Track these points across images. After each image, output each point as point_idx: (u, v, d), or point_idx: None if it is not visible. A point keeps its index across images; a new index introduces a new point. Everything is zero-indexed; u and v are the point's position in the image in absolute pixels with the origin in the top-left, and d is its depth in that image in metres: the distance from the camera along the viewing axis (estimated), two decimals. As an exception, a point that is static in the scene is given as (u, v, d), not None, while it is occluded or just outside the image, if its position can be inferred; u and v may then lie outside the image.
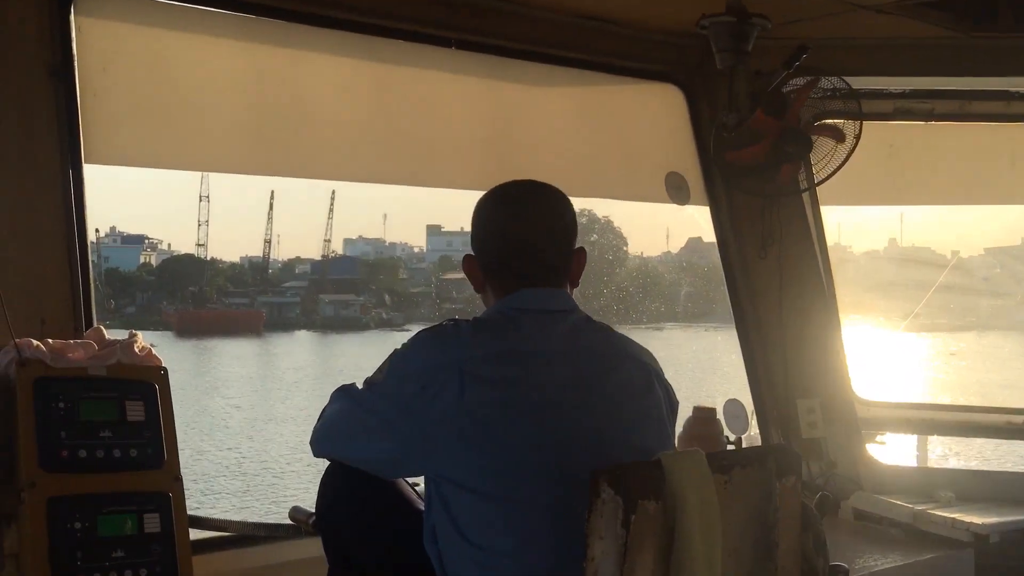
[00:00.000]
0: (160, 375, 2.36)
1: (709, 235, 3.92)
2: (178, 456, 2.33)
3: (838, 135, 3.45)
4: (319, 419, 2.02)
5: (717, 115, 3.46)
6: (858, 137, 3.43)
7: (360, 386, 1.95)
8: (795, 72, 3.35)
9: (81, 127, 2.66)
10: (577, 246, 2.06)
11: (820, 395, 3.77)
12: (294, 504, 2.37)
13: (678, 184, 3.82)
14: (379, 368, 1.92)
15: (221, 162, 3.27)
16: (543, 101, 3.69)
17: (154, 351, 2.40)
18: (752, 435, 3.79)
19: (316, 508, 2.11)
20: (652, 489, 1.64)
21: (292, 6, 3.02)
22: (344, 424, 1.95)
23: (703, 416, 3.32)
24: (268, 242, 71.75)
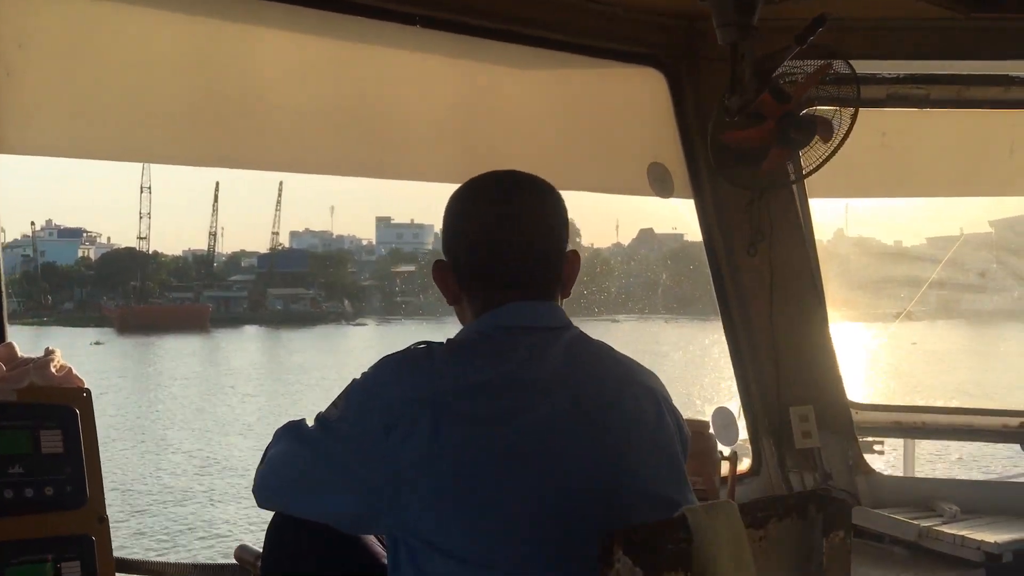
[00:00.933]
0: (82, 398, 2.03)
1: (682, 229, 3.66)
2: (103, 492, 2.01)
3: (827, 130, 3.23)
4: (261, 461, 1.68)
5: (709, 98, 3.20)
6: (850, 127, 3.22)
7: (311, 423, 1.60)
8: (800, 51, 3.10)
9: (-7, 112, 2.33)
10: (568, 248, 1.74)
11: (814, 401, 3.55)
12: (240, 543, 2.14)
13: (661, 176, 3.57)
14: (334, 401, 1.58)
15: (157, 152, 2.94)
16: (515, 85, 3.41)
17: (74, 371, 2.08)
18: (743, 445, 3.58)
19: (261, 561, 1.82)
20: (678, 556, 1.36)
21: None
22: (292, 472, 1.60)
23: (695, 430, 3.03)
24: (213, 235, 70.76)
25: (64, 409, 2.00)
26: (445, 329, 1.84)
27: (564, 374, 1.58)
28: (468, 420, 1.48)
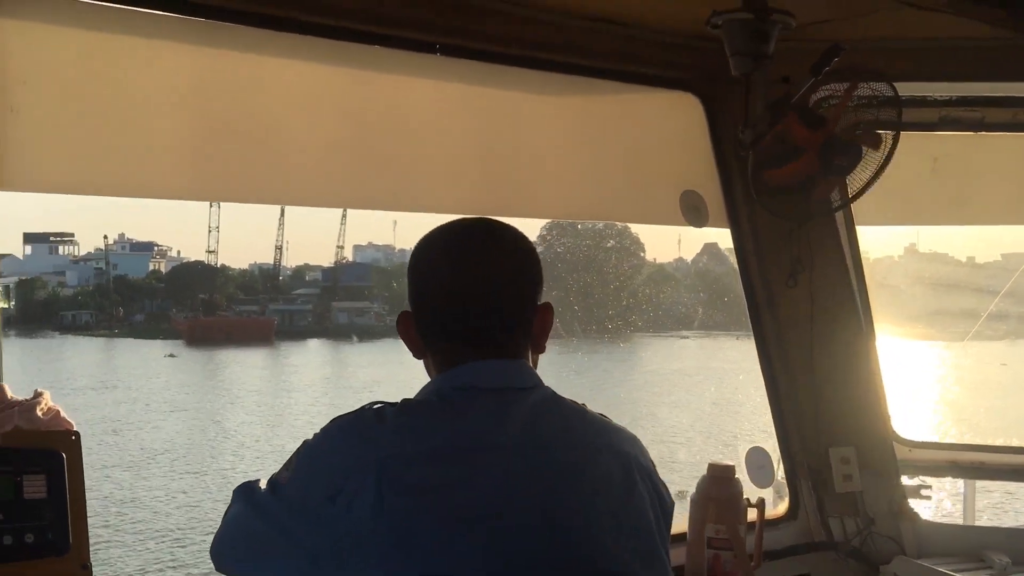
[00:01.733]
0: (70, 441, 2.01)
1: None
2: (87, 539, 1.98)
3: (875, 140, 3.10)
4: (221, 522, 1.64)
5: (735, 129, 3.09)
6: (891, 150, 3.08)
7: (264, 485, 1.57)
8: (823, 79, 2.98)
9: (-4, 149, 2.32)
10: (542, 301, 1.66)
11: (856, 441, 3.39)
12: None
13: (695, 204, 3.46)
14: (287, 462, 1.55)
15: (165, 187, 2.89)
16: (541, 112, 3.33)
17: (63, 412, 2.06)
18: (779, 482, 3.45)
19: None
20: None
21: (246, 7, 2.64)
22: (241, 535, 1.58)
23: (719, 475, 2.94)
24: (279, 248, 72.04)
25: (50, 453, 1.97)
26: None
27: (524, 438, 1.51)
28: (415, 488, 1.43)
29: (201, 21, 2.66)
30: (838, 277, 3.46)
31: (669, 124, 3.48)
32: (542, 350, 1.67)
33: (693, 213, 3.47)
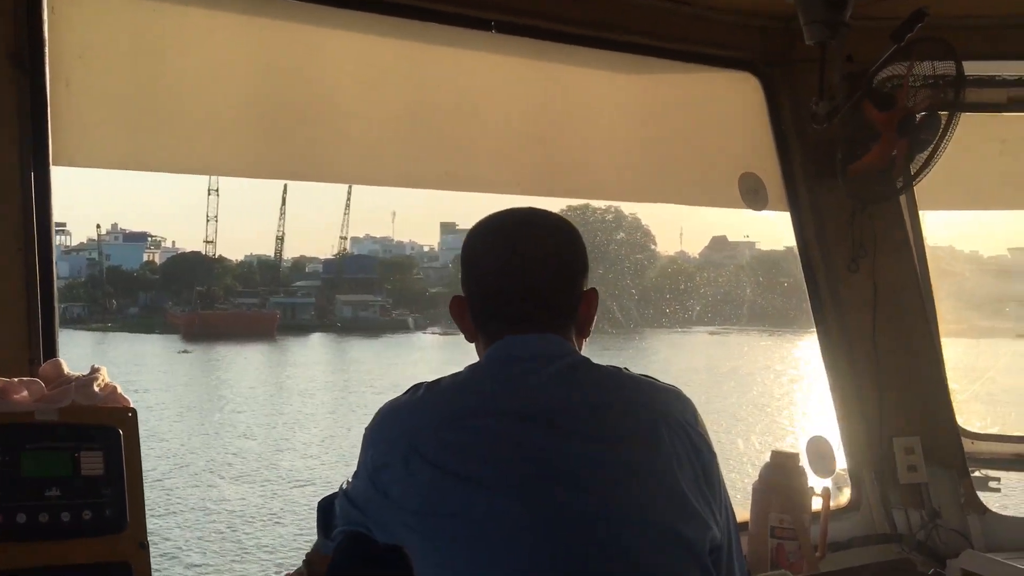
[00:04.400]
0: (127, 418, 2.06)
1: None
2: (144, 516, 2.03)
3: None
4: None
5: (806, 104, 3.11)
6: (944, 129, 3.10)
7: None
8: (894, 54, 3.01)
9: (50, 124, 2.37)
10: (588, 287, 1.78)
11: (921, 432, 3.42)
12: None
13: (754, 187, 3.49)
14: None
15: (220, 164, 2.98)
16: (597, 92, 3.37)
17: (119, 389, 2.10)
18: (841, 474, 3.48)
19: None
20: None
21: (304, -19, 2.70)
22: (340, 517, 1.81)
23: (782, 463, 2.98)
24: (280, 239, 71.97)
25: (107, 430, 2.02)
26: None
27: (544, 400, 1.63)
28: (434, 457, 1.59)
29: (257, -4, 2.72)
30: (902, 263, 3.48)
31: (728, 105, 3.52)
32: (587, 335, 1.78)
33: (752, 196, 3.50)
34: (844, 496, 3.45)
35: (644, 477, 1.59)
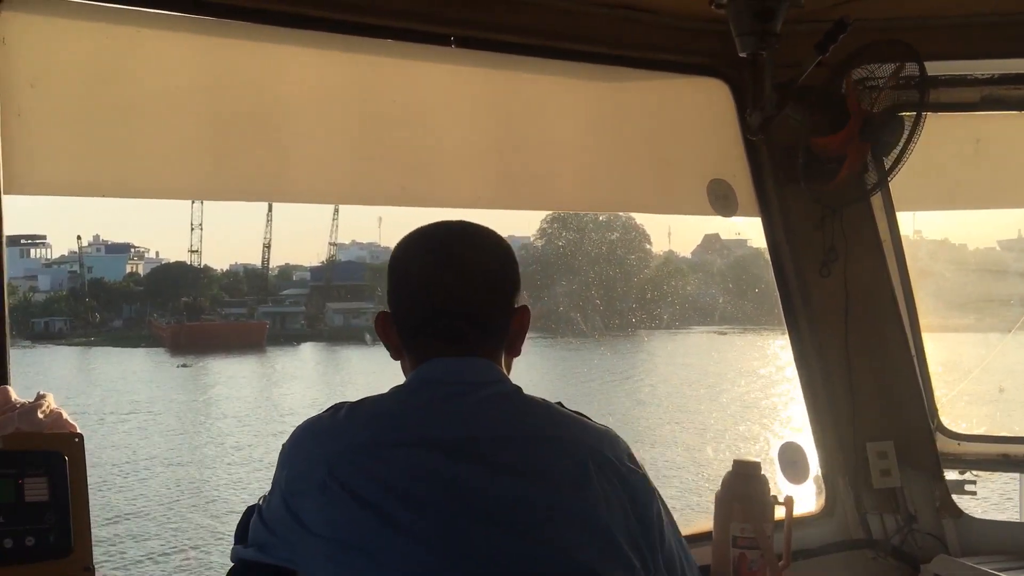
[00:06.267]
0: (73, 443, 2.13)
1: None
2: (90, 541, 2.10)
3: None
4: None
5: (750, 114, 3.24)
6: (914, 130, 3.19)
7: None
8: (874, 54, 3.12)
9: (0, 153, 2.45)
10: (520, 304, 1.80)
11: (894, 435, 3.52)
12: None
13: (724, 192, 3.58)
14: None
15: (176, 188, 3.03)
16: (561, 103, 3.44)
17: (65, 416, 2.17)
18: (815, 480, 3.57)
19: None
20: None
21: (258, 4, 2.78)
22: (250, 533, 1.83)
23: (743, 472, 3.05)
24: (267, 246, 71.65)
25: (52, 455, 2.09)
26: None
27: (472, 427, 1.65)
28: (347, 489, 1.60)
29: (212, 20, 2.80)
30: (874, 265, 3.57)
31: (695, 111, 3.60)
32: (517, 353, 1.81)
33: (722, 202, 3.59)
34: (818, 503, 3.55)
35: (570, 518, 1.60)
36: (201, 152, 2.94)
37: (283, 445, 1.75)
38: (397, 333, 1.79)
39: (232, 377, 45.50)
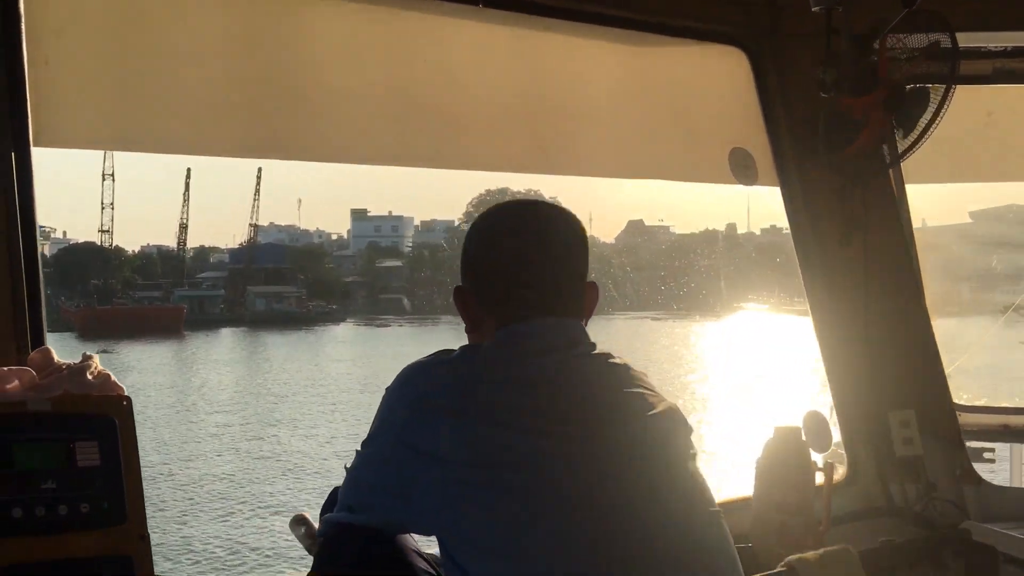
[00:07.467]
0: (122, 406, 2.06)
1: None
2: (144, 507, 2.03)
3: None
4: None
5: (794, 79, 3.23)
6: (940, 105, 3.25)
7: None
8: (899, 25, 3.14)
9: (29, 103, 2.37)
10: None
11: (915, 405, 3.58)
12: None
13: (744, 162, 3.60)
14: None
15: (204, 143, 2.97)
16: (585, 67, 3.44)
17: (113, 377, 2.09)
18: (836, 449, 3.61)
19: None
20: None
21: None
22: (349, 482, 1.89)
23: (786, 436, 3.08)
24: (184, 227, 70.15)
25: (102, 419, 2.02)
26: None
27: (560, 376, 1.76)
28: (434, 418, 1.69)
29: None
30: (893, 237, 3.62)
31: (717, 80, 3.61)
32: (585, 324, 1.92)
33: (742, 171, 3.61)
34: (840, 471, 3.60)
35: (645, 470, 1.75)
36: (228, 108, 2.89)
37: (387, 389, 1.80)
38: (479, 304, 1.88)
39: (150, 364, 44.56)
